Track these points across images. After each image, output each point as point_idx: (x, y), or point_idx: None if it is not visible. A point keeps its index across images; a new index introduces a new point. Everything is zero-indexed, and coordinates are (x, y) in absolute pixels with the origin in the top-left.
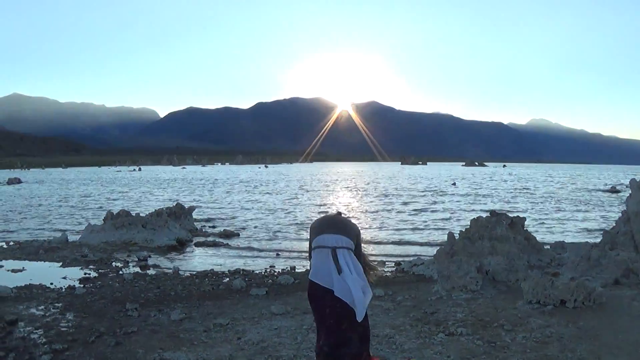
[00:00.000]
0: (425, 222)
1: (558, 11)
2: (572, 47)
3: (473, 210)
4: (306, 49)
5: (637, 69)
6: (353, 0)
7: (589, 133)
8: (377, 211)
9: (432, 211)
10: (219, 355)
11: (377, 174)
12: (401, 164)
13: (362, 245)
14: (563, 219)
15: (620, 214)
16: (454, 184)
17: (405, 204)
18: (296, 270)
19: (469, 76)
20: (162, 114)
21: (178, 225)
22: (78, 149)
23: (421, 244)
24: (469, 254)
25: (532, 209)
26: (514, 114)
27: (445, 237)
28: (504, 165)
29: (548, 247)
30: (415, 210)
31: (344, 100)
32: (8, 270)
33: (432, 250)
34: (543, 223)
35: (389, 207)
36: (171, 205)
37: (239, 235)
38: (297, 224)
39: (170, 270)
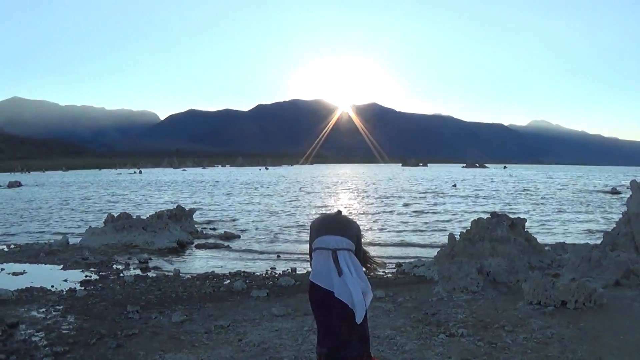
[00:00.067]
0: (426, 223)
1: (558, 12)
2: (572, 49)
3: (474, 211)
4: (306, 51)
5: (637, 70)
6: (353, 2)
7: (589, 134)
8: (378, 213)
9: (433, 213)
10: (220, 357)
11: (378, 175)
12: (402, 165)
13: (362, 241)
14: (564, 220)
15: (620, 215)
16: (455, 185)
17: (406, 205)
18: (297, 272)
19: (470, 78)
20: (163, 116)
21: (179, 228)
22: (78, 151)
23: (422, 246)
24: (469, 255)
25: (533, 210)
26: (515, 115)
27: (446, 239)
28: (505, 167)
29: (549, 248)
30: (416, 211)
31: (344, 102)
32: (9, 273)
33: (433, 252)
34: (544, 224)
35: (390, 209)
36: (172, 208)
37: (239, 237)
38: (297, 225)
39: (171, 273)
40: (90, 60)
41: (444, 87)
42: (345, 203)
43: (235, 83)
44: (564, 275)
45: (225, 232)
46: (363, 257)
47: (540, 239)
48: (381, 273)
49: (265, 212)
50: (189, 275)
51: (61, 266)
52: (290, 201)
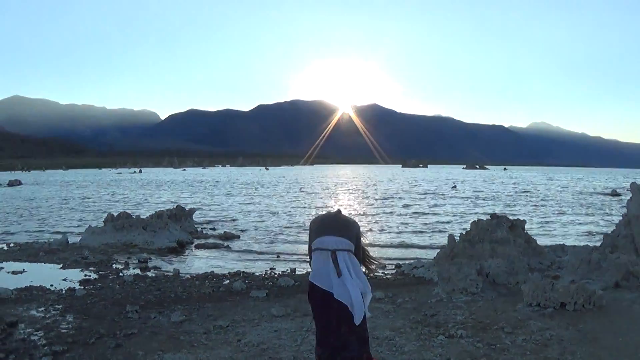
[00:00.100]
0: (426, 224)
1: (559, 14)
2: (573, 51)
3: (473, 213)
4: (307, 51)
5: (638, 72)
6: (354, 3)
7: (589, 136)
8: (377, 214)
9: (433, 214)
10: (219, 357)
11: (378, 176)
12: (402, 166)
13: (363, 242)
14: (564, 222)
15: (620, 218)
16: (455, 186)
17: (406, 206)
18: (296, 273)
19: (470, 79)
20: (163, 116)
21: (178, 227)
22: (79, 151)
23: (422, 247)
24: (469, 256)
25: (533, 212)
26: (515, 117)
27: (445, 240)
28: (505, 169)
29: (549, 250)
30: (415, 213)
31: (345, 103)
32: (8, 272)
33: (433, 253)
34: (544, 226)
35: (390, 210)
36: (171, 207)
37: (239, 237)
38: (297, 226)
39: (171, 272)
40: (91, 60)
41: (444, 88)
42: (345, 204)
43: (236, 83)
44: (564, 277)
45: (225, 232)
46: (362, 256)
47: (540, 241)
48: (381, 274)
49: (265, 212)
50: (188, 275)
51: (60, 265)
52: (290, 202)
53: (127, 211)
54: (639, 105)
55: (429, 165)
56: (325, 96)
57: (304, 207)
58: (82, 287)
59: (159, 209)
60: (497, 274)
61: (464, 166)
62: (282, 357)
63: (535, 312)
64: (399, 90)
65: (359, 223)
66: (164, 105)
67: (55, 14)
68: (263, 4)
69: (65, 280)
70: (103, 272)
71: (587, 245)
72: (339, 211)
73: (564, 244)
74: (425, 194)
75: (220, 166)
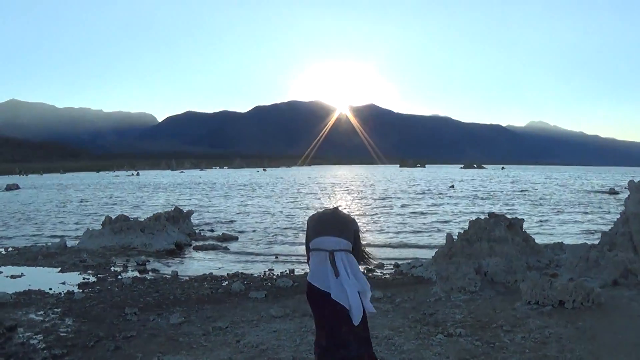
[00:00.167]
0: (424, 224)
1: (556, 13)
2: (570, 50)
3: (472, 212)
4: (304, 52)
5: (635, 71)
6: (351, 4)
7: (587, 135)
8: (376, 214)
9: (431, 214)
10: (218, 359)
11: (376, 176)
12: (400, 166)
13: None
14: (562, 221)
15: (618, 215)
16: (453, 186)
17: (404, 206)
18: (295, 273)
19: (467, 79)
20: (160, 118)
21: (176, 230)
22: (76, 154)
23: (420, 246)
24: (467, 255)
25: (531, 210)
26: (513, 116)
27: (444, 239)
28: (503, 168)
29: (547, 248)
30: (414, 212)
31: (342, 104)
32: (7, 276)
33: (431, 253)
34: (542, 224)
35: (388, 210)
36: (169, 210)
37: (237, 238)
38: (295, 227)
39: (169, 275)
40: (88, 63)
41: (441, 88)
42: (343, 204)
43: (233, 85)
44: (562, 275)
45: (223, 233)
46: (360, 253)
47: (539, 239)
48: (379, 274)
49: (263, 213)
50: (186, 277)
51: (59, 269)
52: (288, 203)
53: (125, 214)
54: (636, 103)
55: (426, 165)
56: (322, 97)
57: (302, 208)
58: (80, 291)
59: (156, 212)
60: (496, 273)
61: (462, 166)
62: (281, 358)
63: (534, 310)
64: (396, 90)
65: (358, 224)
66: (161, 107)
67: (52, 18)
68: (259, 6)
69: (63, 283)
70: (101, 275)
71: (585, 243)
72: (336, 208)
73: (562, 242)
74: (423, 193)
75: (217, 168)
